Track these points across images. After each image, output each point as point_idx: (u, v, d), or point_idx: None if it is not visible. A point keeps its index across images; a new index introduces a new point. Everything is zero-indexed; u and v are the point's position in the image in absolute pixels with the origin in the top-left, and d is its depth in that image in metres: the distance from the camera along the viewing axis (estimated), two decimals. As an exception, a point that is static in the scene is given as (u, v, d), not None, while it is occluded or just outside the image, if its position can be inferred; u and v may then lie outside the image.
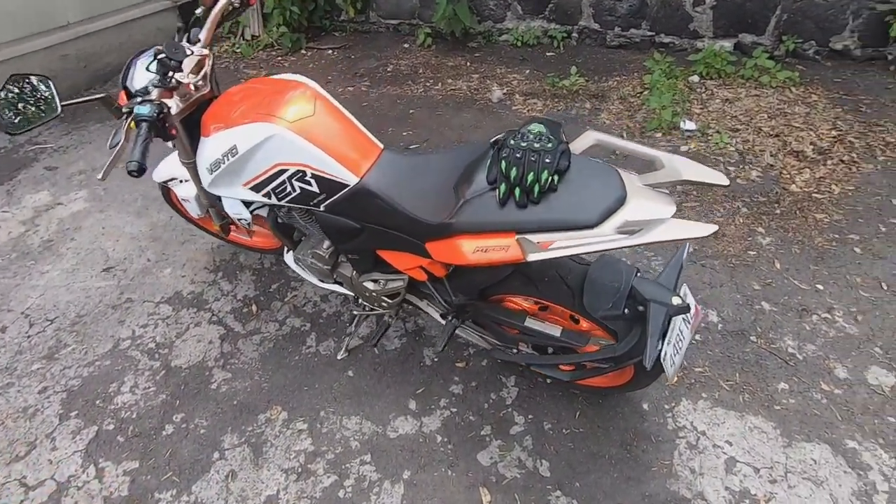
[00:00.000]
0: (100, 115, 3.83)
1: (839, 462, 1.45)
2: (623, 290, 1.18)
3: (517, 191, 1.03)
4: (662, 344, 1.11)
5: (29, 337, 2.04)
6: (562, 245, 1.01)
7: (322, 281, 1.75)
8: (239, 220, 1.62)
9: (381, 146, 1.35)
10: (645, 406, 1.63)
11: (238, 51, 4.71)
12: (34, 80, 1.36)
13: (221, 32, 5.04)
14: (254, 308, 2.09)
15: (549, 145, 1.03)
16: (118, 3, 4.37)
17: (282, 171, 1.29)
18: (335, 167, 1.25)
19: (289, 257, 1.80)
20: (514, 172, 1.03)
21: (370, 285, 1.54)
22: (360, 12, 4.67)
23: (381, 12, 4.66)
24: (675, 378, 1.64)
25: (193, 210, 1.94)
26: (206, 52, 1.42)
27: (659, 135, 2.94)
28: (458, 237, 1.10)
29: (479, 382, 1.75)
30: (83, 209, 2.78)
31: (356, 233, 1.37)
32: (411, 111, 3.47)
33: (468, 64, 4.05)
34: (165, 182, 1.92)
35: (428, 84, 3.82)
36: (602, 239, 0.98)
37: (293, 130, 1.23)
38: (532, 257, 1.02)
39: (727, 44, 3.64)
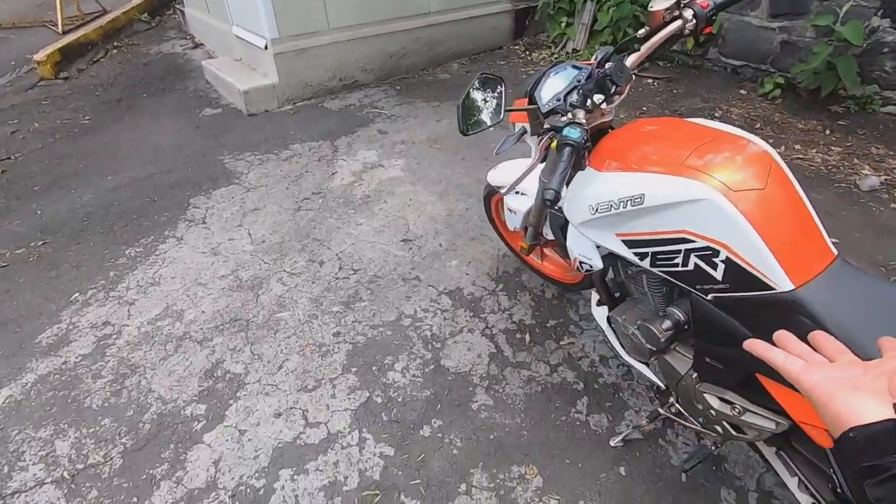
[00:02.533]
0: (427, 94, 4.27)
1: None
2: None
3: None
4: None
5: (337, 279, 2.31)
6: None
7: (630, 356, 1.49)
8: (581, 261, 1.46)
9: (836, 252, 1.00)
10: None
11: (557, 61, 4.74)
12: (493, 81, 1.37)
13: (546, 40, 5.17)
14: (527, 337, 1.97)
15: None
16: (467, 1, 4.79)
17: (684, 241, 1.05)
18: (769, 262, 0.95)
19: (599, 312, 1.58)
20: None
21: (714, 402, 1.21)
22: (700, 45, 4.20)
23: (724, 50, 4.11)
24: None
25: (513, 222, 1.88)
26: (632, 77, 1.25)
27: None
28: None
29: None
30: (398, 177, 3.08)
31: (741, 342, 1.05)
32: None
33: (826, 131, 3.26)
34: (500, 187, 1.90)
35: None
36: None
37: (731, 201, 0.96)
38: None
39: None
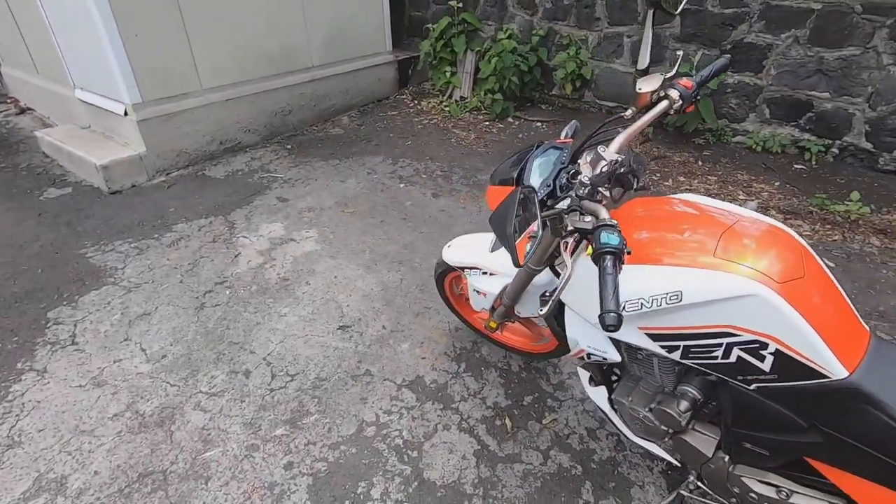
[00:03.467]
0: (323, 151, 4.01)
1: None
2: None
3: None
4: None
5: (272, 391, 1.93)
6: None
7: (640, 436, 1.41)
8: (590, 353, 1.34)
9: (869, 330, 1.00)
10: None
11: (446, 109, 4.81)
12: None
13: (432, 89, 5.23)
14: (508, 423, 1.80)
15: None
16: (349, 54, 4.68)
17: (727, 335, 0.98)
18: (821, 351, 0.92)
19: (596, 393, 1.48)
20: None
21: (754, 485, 1.16)
22: (576, 90, 4.55)
23: (598, 93, 4.51)
24: None
25: (480, 304, 1.72)
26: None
27: None
28: None
29: None
30: (314, 251, 2.77)
31: (793, 430, 1.01)
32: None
33: (698, 162, 3.68)
34: (463, 268, 1.74)
35: (655, 178, 3.49)
36: None
37: (780, 294, 0.92)
38: None
39: None
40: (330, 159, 3.89)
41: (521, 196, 1.06)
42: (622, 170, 1.04)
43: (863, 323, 1.00)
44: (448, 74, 4.92)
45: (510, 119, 4.62)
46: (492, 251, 1.43)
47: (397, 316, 2.30)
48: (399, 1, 5.43)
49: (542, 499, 1.56)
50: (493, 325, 1.76)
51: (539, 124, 4.47)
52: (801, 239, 1.05)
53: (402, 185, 3.50)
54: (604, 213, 0.96)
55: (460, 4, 4.76)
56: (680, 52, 1.33)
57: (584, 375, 1.53)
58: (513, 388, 1.94)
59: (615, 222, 0.93)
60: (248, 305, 2.38)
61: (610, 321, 0.81)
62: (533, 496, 1.57)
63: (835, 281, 1.01)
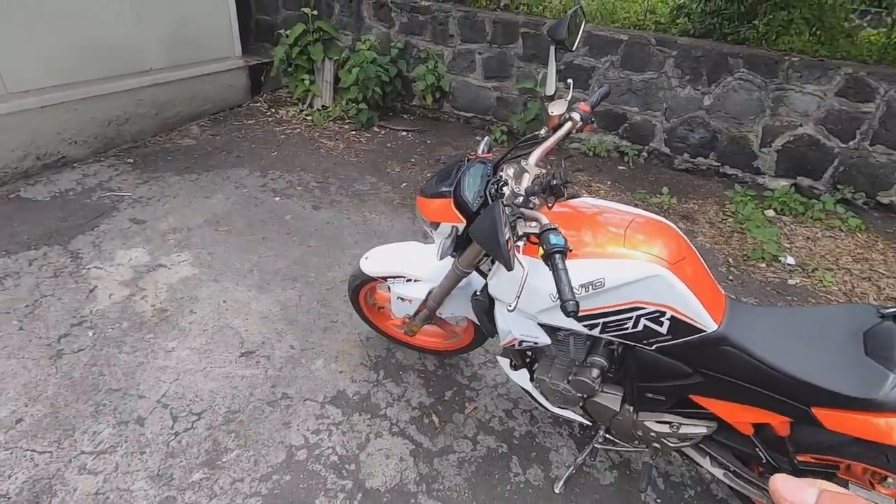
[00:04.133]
0: (176, 165, 3.63)
1: None
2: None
3: None
4: None
5: (177, 435, 1.74)
6: None
7: (557, 406, 1.64)
8: (523, 340, 1.50)
9: (724, 293, 1.34)
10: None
11: (309, 118, 4.70)
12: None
13: (290, 97, 5.05)
14: (435, 419, 1.91)
15: None
16: (194, 57, 4.29)
17: (636, 309, 1.24)
18: (701, 312, 1.22)
19: (519, 375, 1.68)
20: None
21: (654, 426, 1.46)
22: (436, 101, 4.83)
23: (455, 104, 4.85)
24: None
25: (404, 310, 1.80)
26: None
27: (763, 265, 3.12)
28: (886, 415, 1.07)
29: (716, 531, 1.64)
30: (192, 275, 2.53)
31: (681, 376, 1.31)
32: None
33: (547, 167, 4.22)
34: (385, 277, 1.79)
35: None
36: None
37: (673, 272, 1.20)
38: None
39: (787, 183, 4.03)
40: (186, 173, 3.53)
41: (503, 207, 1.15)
42: (555, 182, 1.22)
43: (720, 288, 1.35)
44: (307, 82, 4.80)
45: (375, 128, 4.71)
46: (441, 258, 1.50)
47: (304, 334, 2.24)
48: (245, 3, 5.12)
49: (479, 481, 1.71)
50: (415, 328, 1.85)
51: (404, 133, 4.64)
52: (677, 229, 1.36)
53: (277, 199, 3.35)
54: (545, 219, 1.13)
55: (314, 12, 4.69)
56: (570, 81, 1.58)
57: (505, 362, 1.71)
58: (433, 386, 2.05)
59: (556, 225, 1.11)
60: (121, 345, 2.08)
61: (570, 308, 0.98)
62: (471, 480, 1.71)
63: (701, 259, 1.34)
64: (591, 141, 4.49)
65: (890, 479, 1.37)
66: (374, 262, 1.82)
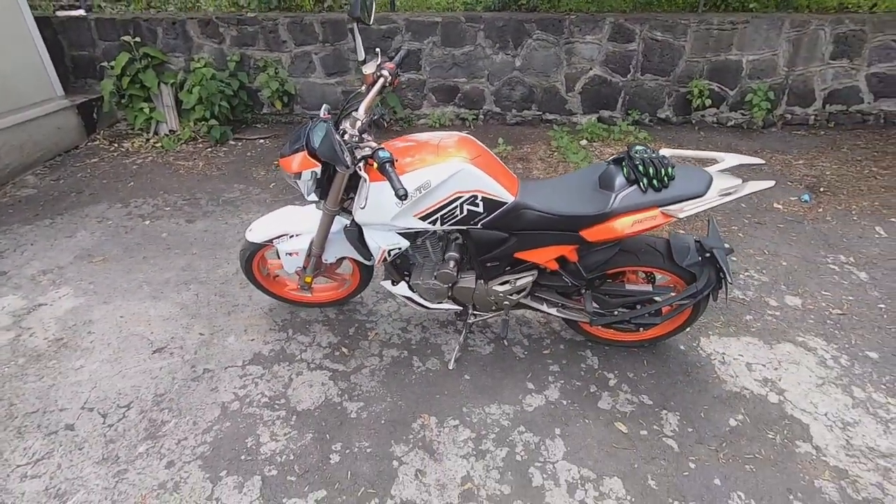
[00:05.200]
0: (22, 216, 3.49)
1: (799, 350, 2.27)
2: (693, 247, 1.85)
3: (654, 182, 1.66)
4: (727, 274, 1.80)
5: (111, 426, 1.90)
6: (690, 208, 1.64)
7: (435, 302, 2.09)
8: (390, 250, 1.90)
9: (516, 176, 1.87)
10: (682, 347, 2.29)
11: (159, 145, 4.65)
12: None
13: (131, 129, 4.93)
14: (345, 350, 2.27)
15: (656, 155, 1.70)
16: (9, 105, 4.06)
17: (457, 198, 1.71)
18: (500, 190, 1.73)
19: (399, 288, 2.10)
20: (651, 171, 1.66)
21: (499, 288, 1.97)
22: (286, 105, 5.05)
23: (305, 104, 5.12)
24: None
25: (294, 263, 2.12)
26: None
27: (583, 180, 3.89)
28: (616, 219, 1.66)
29: (568, 360, 2.22)
30: (80, 304, 2.58)
31: (503, 241, 1.83)
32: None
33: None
34: (271, 240, 2.09)
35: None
36: (713, 200, 1.64)
37: (474, 165, 1.69)
38: (680, 215, 1.63)
39: (593, 117, 4.96)
40: (37, 221, 3.41)
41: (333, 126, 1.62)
42: (375, 117, 1.65)
43: (512, 173, 1.88)
44: (147, 111, 4.74)
45: (231, 142, 4.80)
46: (308, 196, 1.83)
47: (210, 321, 2.44)
48: (55, 42, 4.86)
49: (392, 380, 2.11)
50: (308, 279, 2.18)
51: (262, 141, 4.81)
52: (475, 139, 1.86)
53: (147, 223, 3.40)
54: (374, 144, 1.58)
55: (137, 39, 4.64)
56: (378, 50, 2.01)
57: (387, 283, 2.12)
58: (337, 328, 2.40)
59: (382, 146, 1.55)
60: (24, 377, 2.12)
61: (401, 194, 1.42)
62: (383, 381, 2.10)
63: (497, 158, 1.86)
64: (435, 114, 5.05)
65: (658, 275, 2.03)
66: (258, 230, 2.12)
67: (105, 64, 4.70)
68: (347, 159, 1.56)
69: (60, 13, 5.05)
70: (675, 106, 4.88)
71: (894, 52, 4.57)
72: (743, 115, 4.83)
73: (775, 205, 3.50)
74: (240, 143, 4.78)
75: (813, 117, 4.84)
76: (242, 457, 1.78)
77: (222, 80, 4.68)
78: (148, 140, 4.79)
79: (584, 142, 4.56)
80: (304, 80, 4.97)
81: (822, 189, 3.70)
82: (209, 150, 4.61)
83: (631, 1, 5.12)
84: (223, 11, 4.98)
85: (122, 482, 1.69)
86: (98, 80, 4.92)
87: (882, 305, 2.53)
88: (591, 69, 4.80)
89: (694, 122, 4.93)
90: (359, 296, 2.53)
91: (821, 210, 3.43)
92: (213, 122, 4.63)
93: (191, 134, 4.77)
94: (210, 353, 2.25)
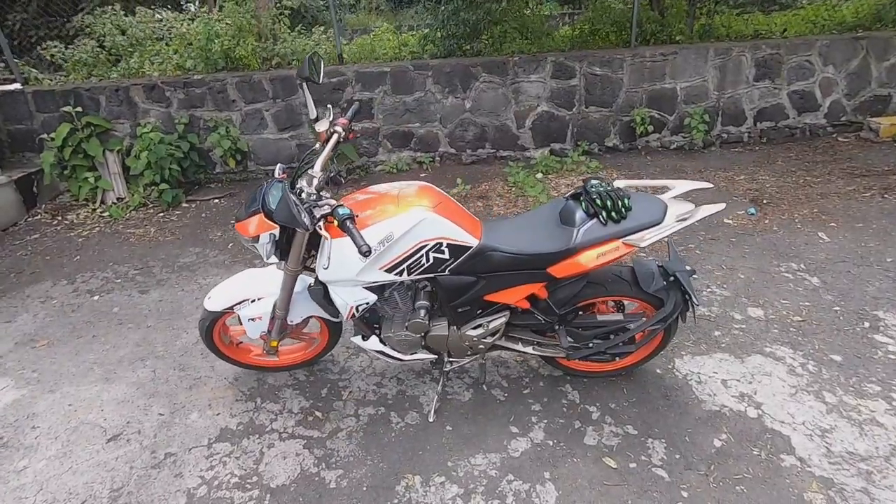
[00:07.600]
0: (-44, 304, 3.23)
1: (768, 360, 2.32)
2: (658, 273, 1.88)
3: (613, 214, 1.69)
4: (693, 296, 1.83)
5: (62, 533, 1.71)
6: (650, 236, 1.67)
7: (408, 353, 2.03)
8: (359, 306, 1.84)
9: (479, 220, 1.87)
10: (658, 370, 2.30)
11: (106, 215, 4.47)
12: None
13: (75, 201, 4.73)
14: (318, 414, 2.15)
15: (612, 189, 1.74)
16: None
17: (423, 247, 1.69)
18: (464, 234, 1.72)
19: (369, 343, 2.03)
20: (608, 203, 1.69)
21: (473, 332, 1.93)
22: (239, 163, 4.99)
23: (259, 161, 5.07)
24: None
25: (258, 329, 2.02)
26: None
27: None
28: (580, 253, 1.67)
29: (549, 397, 2.18)
30: (22, 396, 2.37)
31: (472, 285, 1.81)
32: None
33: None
34: (231, 307, 1.99)
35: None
36: (670, 227, 1.68)
37: (436, 212, 1.68)
38: (642, 245, 1.66)
39: (545, 150, 5.12)
40: (-31, 310, 3.16)
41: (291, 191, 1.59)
42: (332, 174, 1.63)
43: (474, 217, 1.89)
44: (92, 180, 4.57)
45: (184, 204, 4.68)
46: (267, 258, 1.77)
47: (170, 399, 2.29)
48: (-13, 117, 4.68)
49: (370, 441, 2.01)
50: (274, 343, 2.09)
51: (216, 201, 4.71)
52: (434, 186, 1.86)
53: (95, 298, 3.21)
54: (333, 202, 1.56)
55: (78, 109, 4.52)
56: (329, 106, 2.02)
57: (357, 339, 2.06)
58: (308, 391, 2.29)
59: (342, 203, 1.53)
60: (-42, 487, 1.90)
61: (364, 251, 1.40)
62: (362, 443, 2.00)
63: (457, 203, 1.87)
64: (392, 160, 5.10)
65: (626, 303, 2.05)
66: (217, 298, 2.02)
67: (45, 136, 4.54)
68: (306, 220, 1.51)
69: (-6, 88, 4.89)
70: (621, 134, 5.12)
71: (808, 71, 4.98)
72: (684, 137, 5.10)
73: (725, 220, 3.66)
74: (193, 205, 4.65)
75: (747, 135, 5.17)
76: (214, 549, 1.63)
77: (171, 142, 4.60)
78: (94, 210, 4.60)
79: (539, 175, 4.68)
80: (256, 136, 4.95)
81: (765, 201, 3.90)
82: (161, 214, 4.47)
83: (568, 41, 5.41)
84: (168, 76, 4.94)
85: None
86: (37, 153, 4.74)
87: (837, 308, 2.64)
88: (538, 105, 4.99)
89: (640, 147, 5.17)
90: (329, 354, 2.43)
91: (767, 221, 3.61)
92: (163, 185, 4.51)
93: (141, 200, 4.62)
94: (171, 435, 2.09)
